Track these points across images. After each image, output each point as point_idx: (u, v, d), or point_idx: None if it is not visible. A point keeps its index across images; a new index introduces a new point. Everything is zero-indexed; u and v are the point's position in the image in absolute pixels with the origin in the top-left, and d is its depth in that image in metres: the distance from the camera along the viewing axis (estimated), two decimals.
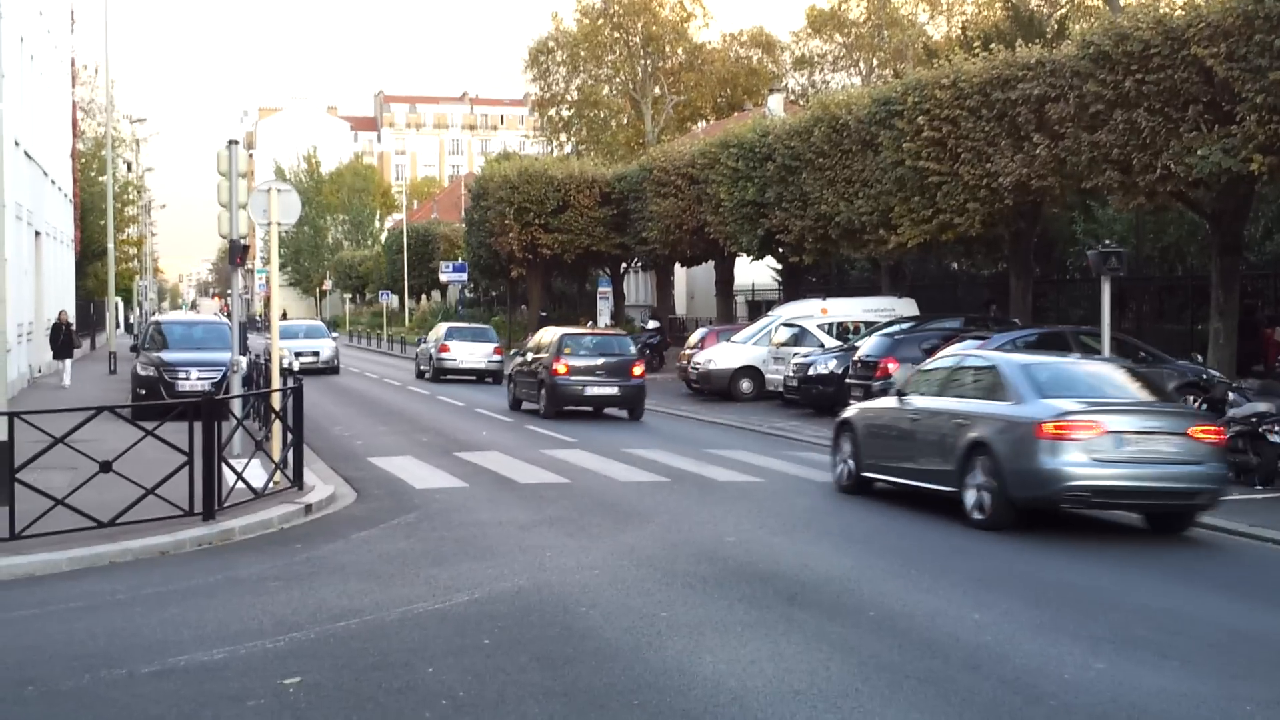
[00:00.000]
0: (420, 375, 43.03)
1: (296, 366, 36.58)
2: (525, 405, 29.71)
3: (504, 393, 31.96)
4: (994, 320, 29.43)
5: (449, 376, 40.53)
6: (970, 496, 14.50)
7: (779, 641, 9.18)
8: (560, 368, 27.78)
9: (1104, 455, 13.63)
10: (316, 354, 44.42)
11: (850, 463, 17.00)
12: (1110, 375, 15.64)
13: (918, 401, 16.05)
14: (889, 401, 16.94)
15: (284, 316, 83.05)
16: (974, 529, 14.21)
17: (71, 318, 40.16)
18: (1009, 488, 14.00)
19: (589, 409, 28.34)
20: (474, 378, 40.66)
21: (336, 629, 9.53)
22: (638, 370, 28.46)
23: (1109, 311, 18.53)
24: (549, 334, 29.87)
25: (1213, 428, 14.41)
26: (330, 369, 44.40)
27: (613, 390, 28.01)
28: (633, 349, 29.71)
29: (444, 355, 40.90)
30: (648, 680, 8.22)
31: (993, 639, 9.40)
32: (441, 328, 44.01)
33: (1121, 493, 13.94)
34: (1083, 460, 13.62)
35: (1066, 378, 15.04)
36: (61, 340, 35.29)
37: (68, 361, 35.11)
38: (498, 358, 40.51)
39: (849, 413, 17.74)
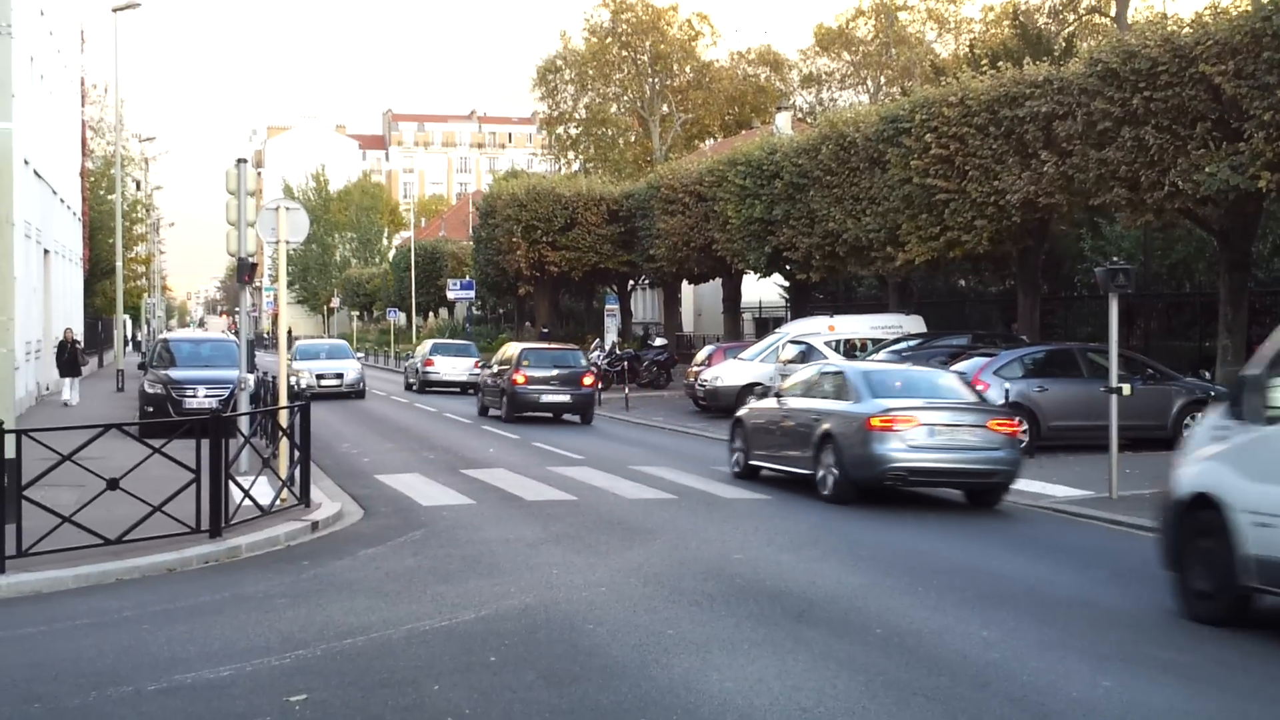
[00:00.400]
0: (408, 387, 46.32)
1: (311, 389, 36.42)
2: (491, 411, 33.05)
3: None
4: (1004, 338, 29.38)
5: (433, 388, 44.05)
6: (820, 476, 17.78)
7: (786, 659, 9.16)
8: (519, 378, 31.34)
9: (918, 443, 16.95)
10: (340, 376, 41.33)
11: (741, 454, 20.29)
12: (934, 380, 19.17)
13: (790, 402, 19.29)
14: (770, 402, 20.18)
15: (290, 334, 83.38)
16: (952, 536, 14.21)
17: (79, 335, 40.06)
18: (848, 470, 17.31)
19: (548, 414, 31.87)
20: (457, 389, 43.40)
21: (343, 646, 9.52)
22: (587, 380, 31.93)
23: (1116, 328, 18.50)
24: (512, 349, 33.63)
25: (1009, 421, 17.61)
26: (355, 393, 41.11)
27: (565, 398, 31.59)
28: (584, 362, 33.48)
29: (429, 369, 44.59)
30: (654, 698, 8.20)
31: (1000, 656, 9.38)
32: (427, 344, 48.00)
33: (933, 472, 17.33)
34: (902, 447, 16.93)
35: (896, 381, 18.48)
36: (67, 358, 34.29)
37: (74, 380, 34.27)
38: (477, 371, 41.46)
39: (741, 412, 21.19)
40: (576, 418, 31.60)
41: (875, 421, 17.00)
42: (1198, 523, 10.76)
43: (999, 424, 17.31)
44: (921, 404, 17.45)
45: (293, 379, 32.41)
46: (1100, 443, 18.92)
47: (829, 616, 10.59)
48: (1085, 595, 11.66)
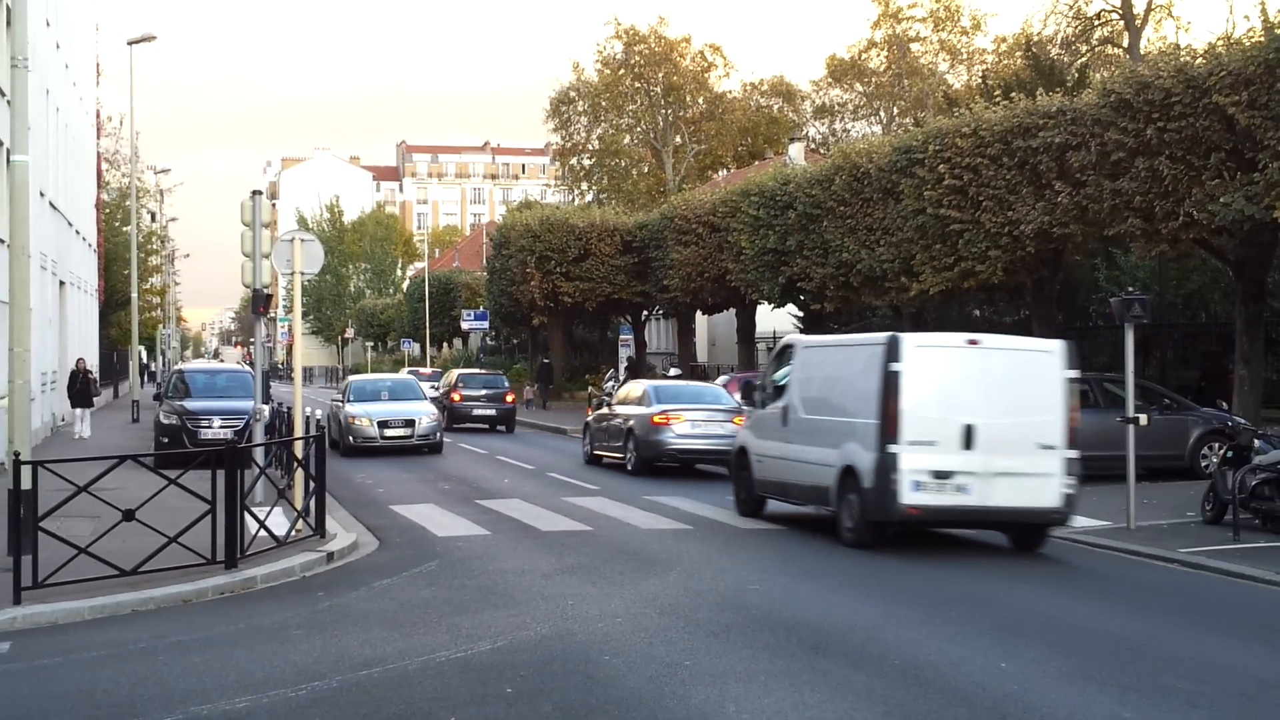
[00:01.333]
0: None
1: (372, 441, 30.28)
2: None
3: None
4: None
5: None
6: (626, 457, 26.32)
7: (803, 690, 9.12)
8: (456, 396, 39.99)
9: (685, 433, 25.57)
10: (410, 424, 31.08)
11: (588, 447, 28.74)
12: (704, 390, 28.55)
13: (615, 408, 27.78)
14: (604, 410, 29.01)
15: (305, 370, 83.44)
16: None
17: (94, 366, 40.05)
18: (640, 453, 25.82)
19: (482, 426, 39.37)
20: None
21: (359, 678, 9.50)
22: (509, 398, 40.49)
23: (1132, 359, 18.45)
24: (453, 375, 42.71)
25: (744, 417, 21.99)
26: (429, 446, 31.02)
27: (491, 411, 39.82)
28: (506, 383, 42.12)
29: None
30: None
31: (1019, 687, 9.33)
32: (454, 373, 45.99)
33: (694, 452, 25.83)
34: (674, 435, 25.55)
35: (676, 392, 27.44)
36: (79, 389, 32.97)
37: (86, 411, 33.17)
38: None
39: (589, 418, 29.89)
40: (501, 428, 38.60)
41: (656, 418, 25.60)
42: (742, 461, 19.48)
43: (740, 419, 23.21)
44: (689, 407, 26.04)
45: (366, 428, 30.45)
46: (1118, 473, 18.85)
47: (846, 647, 10.55)
48: (1105, 626, 11.60)
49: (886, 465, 15.64)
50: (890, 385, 15.75)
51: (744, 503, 19.44)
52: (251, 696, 8.96)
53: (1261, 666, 10.30)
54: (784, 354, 19.15)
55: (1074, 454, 16.36)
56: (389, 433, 30.81)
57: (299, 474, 17.08)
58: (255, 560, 14.14)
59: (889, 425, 15.69)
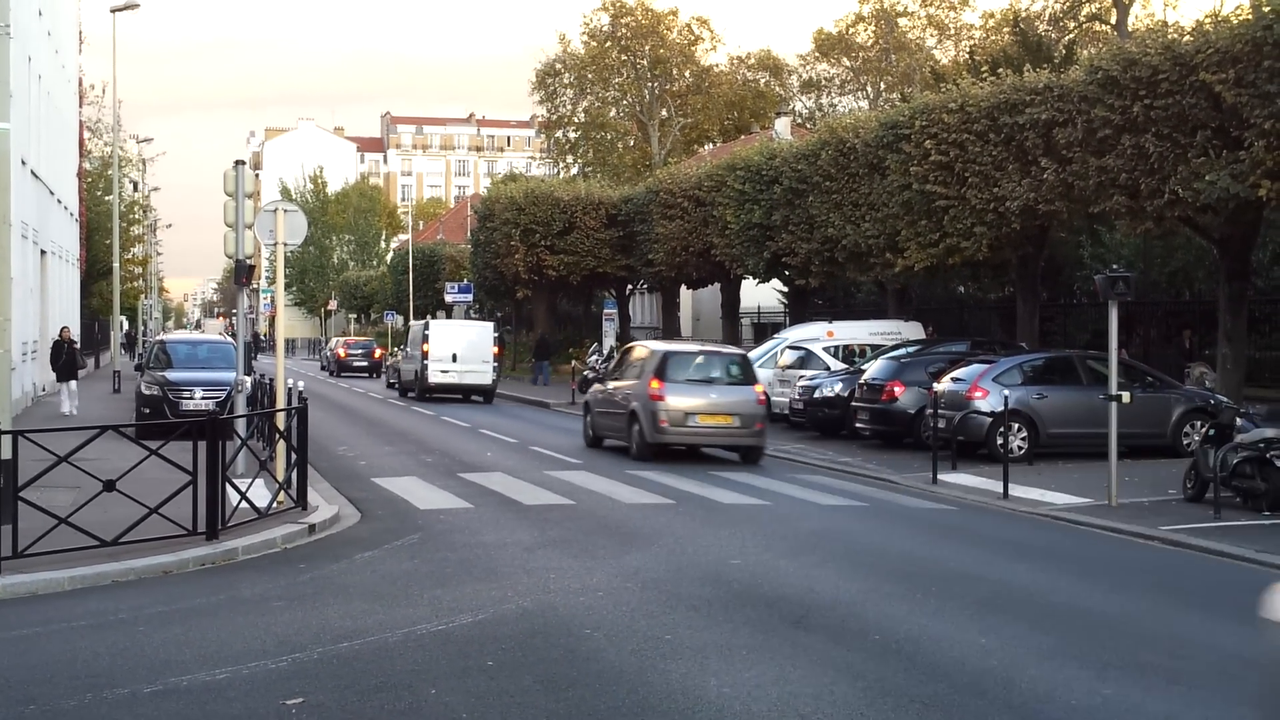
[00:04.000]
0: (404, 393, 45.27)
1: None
2: (409, 392, 43.31)
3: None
4: (1003, 345, 29.37)
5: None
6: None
7: (784, 665, 9.13)
8: (429, 363, 41.41)
9: (444, 368, 38.91)
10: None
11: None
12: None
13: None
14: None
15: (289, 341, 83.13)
16: (960, 549, 14.19)
17: (76, 335, 39.60)
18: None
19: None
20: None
21: (340, 650, 9.49)
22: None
23: (1116, 336, 18.47)
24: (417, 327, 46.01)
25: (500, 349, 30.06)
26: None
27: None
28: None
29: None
30: (652, 703, 8.17)
31: (999, 664, 9.35)
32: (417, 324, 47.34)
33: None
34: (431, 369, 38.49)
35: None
36: (64, 360, 31.08)
37: (71, 384, 31.04)
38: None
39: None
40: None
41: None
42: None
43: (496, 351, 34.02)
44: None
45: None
46: (1099, 450, 18.91)
47: (827, 623, 10.56)
48: (1085, 603, 11.63)
49: (423, 370, 39.69)
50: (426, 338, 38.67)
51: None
52: (232, 667, 8.94)
53: (1241, 645, 10.32)
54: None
55: (496, 365, 38.77)
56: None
57: (281, 446, 17.03)
58: (236, 532, 14.11)
59: (424, 356, 39.38)
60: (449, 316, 73.27)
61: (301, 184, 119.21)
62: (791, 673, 8.94)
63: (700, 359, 24.63)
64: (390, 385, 49.24)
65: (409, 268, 76.26)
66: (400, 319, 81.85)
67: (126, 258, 62.60)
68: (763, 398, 23.98)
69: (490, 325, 44.47)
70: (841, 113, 73.40)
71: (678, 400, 23.25)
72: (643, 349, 25.87)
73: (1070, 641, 10.09)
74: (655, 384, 23.38)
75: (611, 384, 25.64)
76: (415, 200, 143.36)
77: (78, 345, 34.98)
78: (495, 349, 42.65)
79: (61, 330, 33.14)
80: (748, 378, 24.20)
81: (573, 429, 29.25)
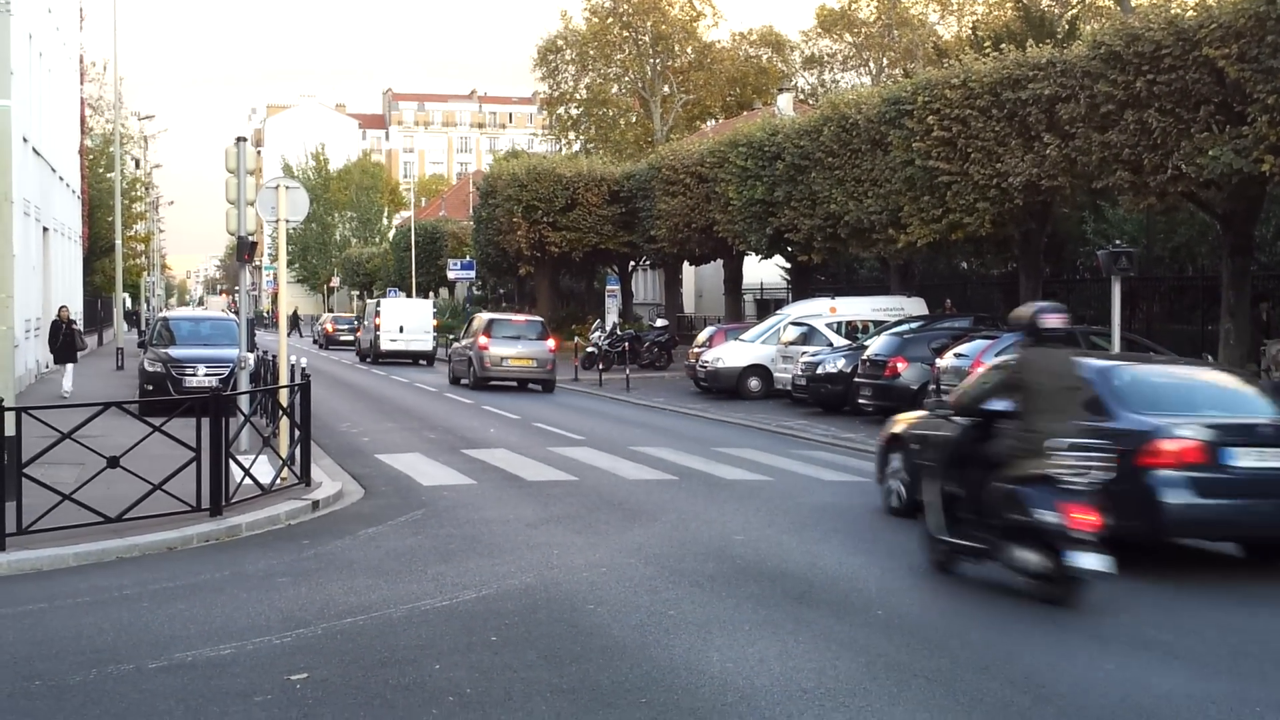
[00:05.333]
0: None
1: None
2: (365, 358, 50.80)
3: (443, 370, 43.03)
4: (1004, 320, 29.33)
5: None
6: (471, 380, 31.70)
7: (786, 640, 9.15)
8: (381, 333, 49.51)
9: (392, 337, 48.55)
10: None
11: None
12: (519, 325, 36.76)
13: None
14: (458, 343, 33.24)
15: (294, 314, 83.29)
16: None
17: (77, 314, 39.40)
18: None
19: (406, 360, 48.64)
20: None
21: (344, 625, 9.52)
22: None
23: (1119, 311, 18.47)
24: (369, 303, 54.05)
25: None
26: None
27: (415, 347, 49.36)
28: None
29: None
30: (655, 678, 8.20)
31: (1001, 638, 9.37)
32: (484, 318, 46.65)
33: (399, 353, 49.20)
34: (384, 339, 48.00)
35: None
36: (62, 341, 29.83)
37: (69, 366, 29.77)
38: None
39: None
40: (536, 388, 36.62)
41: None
42: None
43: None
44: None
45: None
46: None
47: (830, 598, 10.58)
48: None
49: (376, 339, 49.19)
50: (378, 313, 47.70)
51: None
52: (236, 643, 8.97)
53: (1244, 623, 10.35)
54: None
55: (435, 335, 49.74)
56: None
57: (284, 422, 17.05)
58: (240, 508, 14.13)
59: (377, 328, 48.59)
60: (451, 294, 73.63)
61: (303, 161, 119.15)
62: (794, 647, 8.96)
63: (512, 322, 37.34)
64: (357, 354, 55.53)
65: (411, 245, 76.25)
66: (403, 296, 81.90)
67: (129, 235, 62.59)
68: (553, 348, 36.09)
69: (429, 302, 55.60)
70: (844, 88, 73.20)
71: (497, 349, 35.44)
72: (479, 318, 38.29)
73: (1072, 616, 10.10)
74: (484, 338, 35.65)
75: (463, 341, 38.22)
76: (417, 177, 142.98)
77: (77, 325, 32.70)
78: (434, 321, 51.93)
79: (60, 309, 31.75)
80: (544, 336, 36.43)
81: (578, 405, 29.34)
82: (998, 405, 11.28)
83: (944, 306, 34.34)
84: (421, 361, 48.76)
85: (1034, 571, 10.37)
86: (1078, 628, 9.73)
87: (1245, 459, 11.59)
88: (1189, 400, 12.62)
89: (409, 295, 69.23)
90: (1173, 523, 11.71)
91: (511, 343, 35.46)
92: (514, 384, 35.92)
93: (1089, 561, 10.04)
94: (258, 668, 8.40)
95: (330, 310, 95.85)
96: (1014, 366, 11.28)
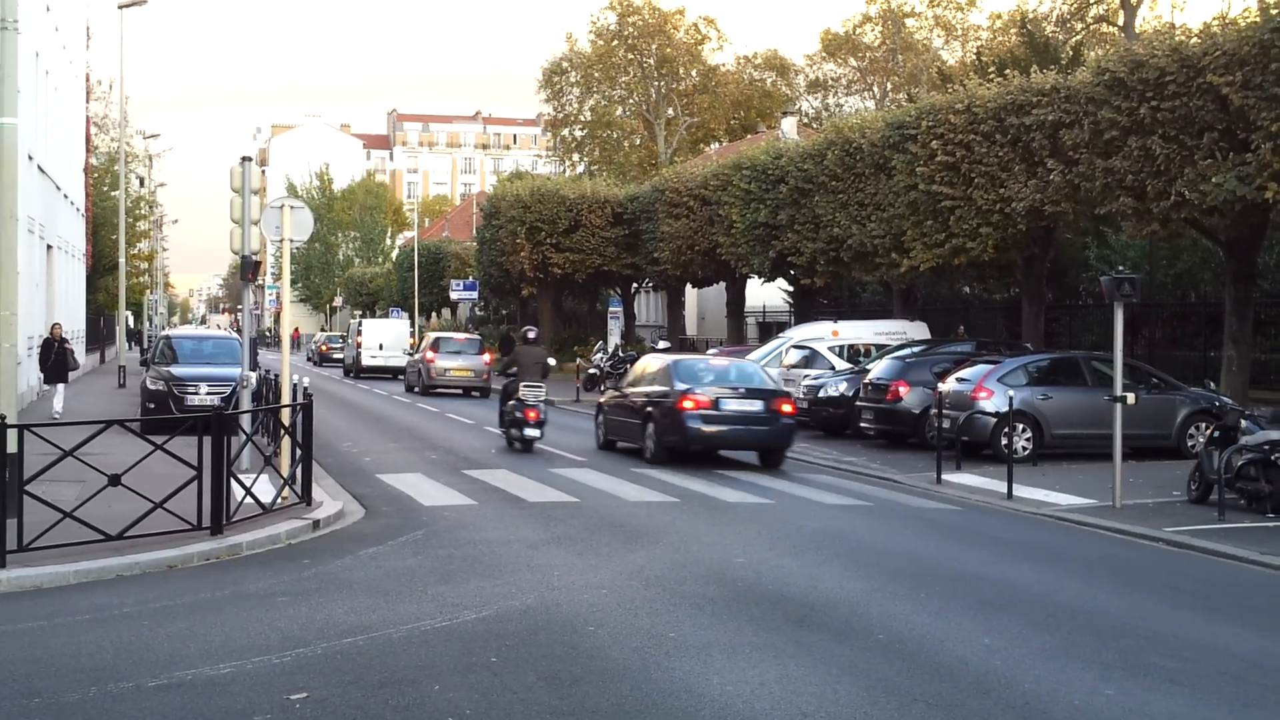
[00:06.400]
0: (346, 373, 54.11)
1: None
2: (349, 373, 54.82)
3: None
4: (1008, 345, 29.37)
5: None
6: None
7: (787, 664, 9.13)
8: (362, 351, 53.78)
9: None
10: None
11: (405, 385, 41.12)
12: (460, 342, 43.41)
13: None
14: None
15: (295, 334, 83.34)
16: (965, 551, 14.19)
17: (78, 331, 39.28)
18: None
19: (386, 375, 51.52)
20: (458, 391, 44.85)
21: (344, 645, 9.50)
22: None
23: (1121, 337, 18.45)
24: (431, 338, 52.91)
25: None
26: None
27: (393, 363, 51.89)
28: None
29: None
30: (655, 701, 8.18)
31: (1002, 663, 9.35)
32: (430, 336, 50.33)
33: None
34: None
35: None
36: (54, 360, 28.31)
37: (60, 387, 28.50)
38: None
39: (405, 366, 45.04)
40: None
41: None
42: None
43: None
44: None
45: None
46: (1104, 451, 18.89)
47: (831, 621, 10.56)
48: (1088, 604, 11.62)
49: (357, 356, 53.39)
50: (360, 332, 53.83)
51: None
52: (236, 662, 8.95)
53: (1244, 646, 10.33)
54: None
55: (410, 352, 48.16)
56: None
57: (286, 441, 17.05)
58: (241, 527, 14.12)
59: (359, 345, 53.50)
60: (454, 314, 73.98)
61: (308, 180, 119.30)
62: (795, 671, 8.94)
63: (455, 340, 44.10)
64: (344, 370, 59.15)
65: (414, 265, 76.30)
66: (405, 316, 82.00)
67: (132, 253, 62.78)
68: (488, 361, 42.81)
69: (406, 321, 60.38)
70: (848, 113, 73.36)
71: (441, 362, 42.19)
72: (428, 336, 45.90)
73: (1073, 642, 10.09)
74: (430, 353, 42.63)
75: (415, 356, 44.83)
76: (421, 197, 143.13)
77: (70, 344, 30.42)
78: (410, 339, 55.72)
79: (53, 327, 30.04)
80: (480, 351, 43.74)
81: (578, 427, 29.25)
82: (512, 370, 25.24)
83: (956, 333, 34.33)
84: (400, 376, 49.79)
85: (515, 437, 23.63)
86: (1080, 652, 9.71)
87: (730, 405, 22.08)
88: (715, 377, 22.99)
89: (411, 316, 70.78)
90: (692, 438, 22.13)
91: (454, 356, 42.48)
92: (459, 391, 42.26)
93: (532, 432, 23.82)
94: (257, 687, 8.38)
95: (323, 330, 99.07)
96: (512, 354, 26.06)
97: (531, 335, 26.00)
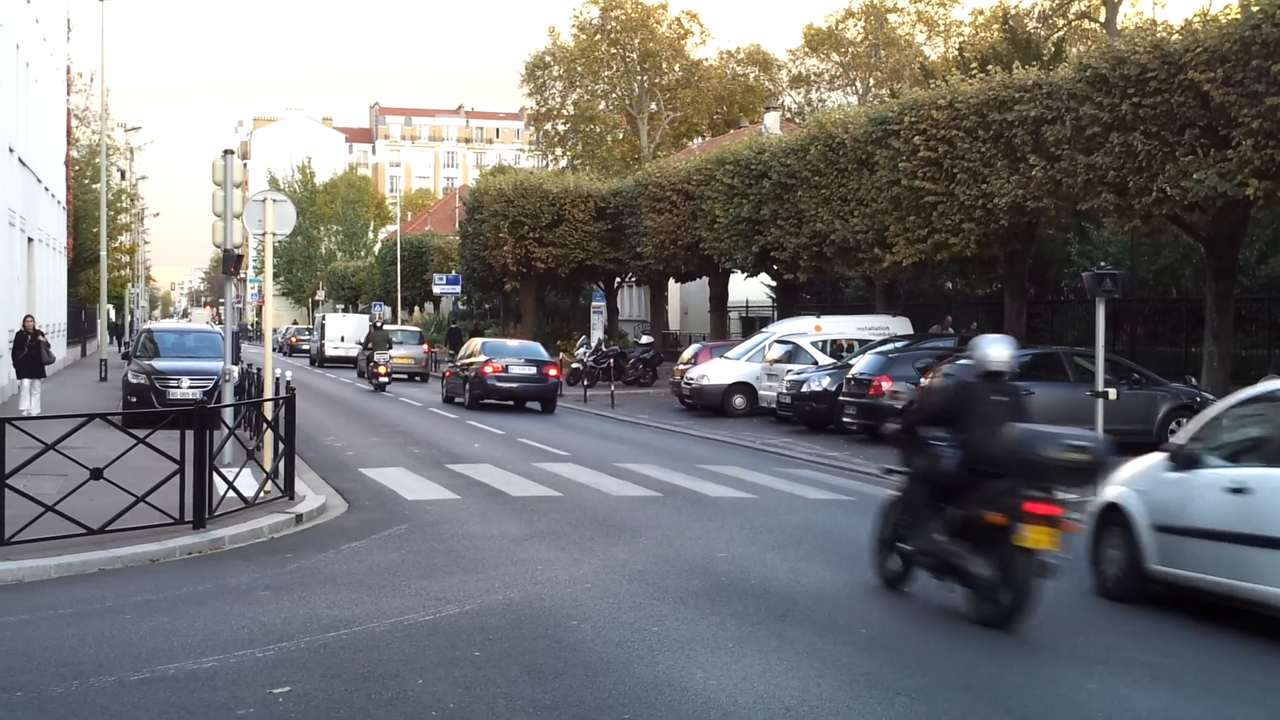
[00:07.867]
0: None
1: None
2: (314, 363, 61.26)
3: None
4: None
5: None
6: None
7: (770, 658, 9.15)
8: (325, 342, 60.97)
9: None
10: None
11: (444, 391, 39.39)
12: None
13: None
14: (451, 365, 37.59)
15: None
16: None
17: (53, 324, 38.85)
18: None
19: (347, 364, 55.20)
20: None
21: (327, 639, 9.50)
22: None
23: (1103, 333, 18.52)
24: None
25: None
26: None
27: (352, 354, 54.97)
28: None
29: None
30: (638, 695, 8.19)
31: (984, 657, 9.38)
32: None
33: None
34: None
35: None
36: (26, 354, 26.87)
37: (35, 382, 27.06)
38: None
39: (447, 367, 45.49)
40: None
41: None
42: None
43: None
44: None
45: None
46: None
47: (813, 616, 10.59)
48: (1070, 599, 11.64)
49: (321, 348, 61.38)
50: (323, 327, 61.82)
51: None
52: (218, 656, 8.94)
53: (1227, 646, 10.38)
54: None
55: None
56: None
57: (268, 435, 17.02)
58: (223, 521, 14.10)
59: (322, 337, 62.38)
60: (436, 309, 74.15)
61: (290, 174, 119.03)
62: (778, 665, 8.97)
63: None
64: (310, 359, 65.20)
65: (397, 259, 76.20)
66: (388, 310, 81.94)
67: (114, 246, 62.45)
68: (426, 350, 50.98)
69: (366, 317, 61.52)
70: (831, 108, 73.40)
71: (383, 352, 42.79)
72: (373, 330, 46.45)
73: (1057, 637, 10.13)
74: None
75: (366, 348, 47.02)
76: (403, 191, 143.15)
77: (44, 337, 28.49)
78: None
79: (25, 319, 28.57)
80: (421, 342, 51.23)
81: (563, 421, 29.32)
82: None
83: (943, 322, 34.41)
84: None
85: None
86: (1061, 648, 9.75)
87: (515, 369, 32.69)
88: (508, 352, 33.50)
89: (394, 310, 71.67)
90: (489, 393, 32.55)
91: (396, 346, 45.84)
92: (405, 377, 47.07)
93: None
94: (240, 681, 8.38)
95: (294, 323, 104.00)
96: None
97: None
